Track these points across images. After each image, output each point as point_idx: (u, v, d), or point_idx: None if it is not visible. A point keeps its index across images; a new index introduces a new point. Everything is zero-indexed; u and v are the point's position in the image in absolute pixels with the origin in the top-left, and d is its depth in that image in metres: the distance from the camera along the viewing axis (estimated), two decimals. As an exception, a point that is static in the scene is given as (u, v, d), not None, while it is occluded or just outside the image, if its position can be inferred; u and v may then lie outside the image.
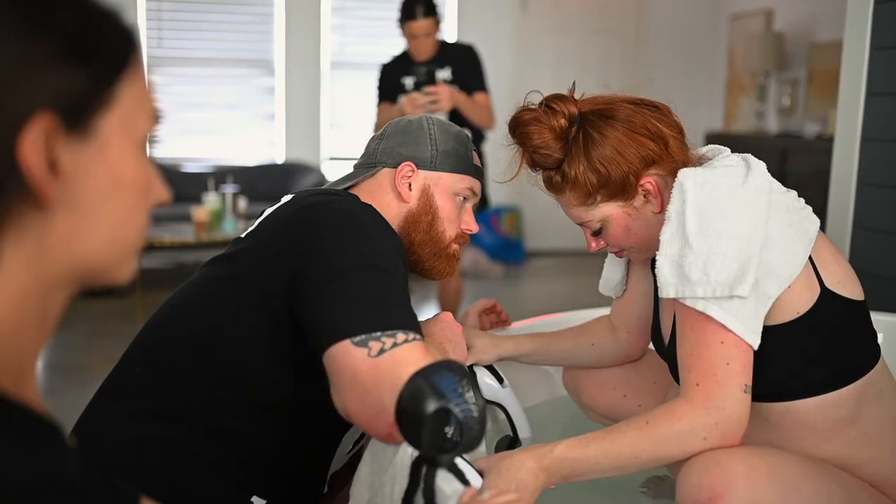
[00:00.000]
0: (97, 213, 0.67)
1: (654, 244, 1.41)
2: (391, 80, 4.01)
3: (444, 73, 3.94)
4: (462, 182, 1.61)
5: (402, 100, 3.71)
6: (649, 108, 1.47)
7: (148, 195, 0.71)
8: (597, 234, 1.53)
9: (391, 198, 1.57)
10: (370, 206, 1.46)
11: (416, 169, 1.57)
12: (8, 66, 0.61)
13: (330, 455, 1.51)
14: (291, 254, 1.35)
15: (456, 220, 1.61)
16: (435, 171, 1.58)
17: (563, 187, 1.48)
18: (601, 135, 1.43)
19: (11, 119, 0.61)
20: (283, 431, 1.41)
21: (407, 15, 3.85)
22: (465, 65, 3.97)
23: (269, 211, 1.55)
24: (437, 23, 3.89)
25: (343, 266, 1.29)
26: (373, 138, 1.66)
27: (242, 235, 1.52)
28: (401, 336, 1.21)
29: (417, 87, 3.84)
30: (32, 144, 0.61)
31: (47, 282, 0.66)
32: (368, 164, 1.61)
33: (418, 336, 1.24)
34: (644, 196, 1.46)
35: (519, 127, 1.49)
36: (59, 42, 0.63)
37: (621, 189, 1.45)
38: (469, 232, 1.64)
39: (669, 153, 1.44)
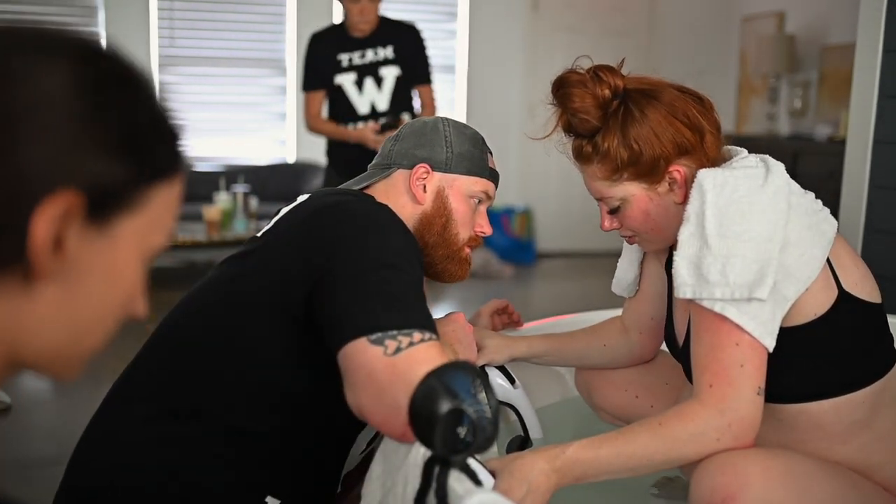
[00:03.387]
0: (79, 306, 0.65)
1: (668, 235, 1.40)
2: (325, 59, 3.67)
3: (385, 52, 3.67)
4: (477, 185, 1.61)
5: (364, 131, 3.54)
6: (693, 99, 1.46)
7: (128, 307, 0.70)
8: (613, 212, 1.51)
9: (406, 199, 1.57)
10: (386, 206, 1.46)
11: (430, 171, 1.57)
12: (57, 139, 0.60)
13: (344, 455, 1.51)
14: (309, 253, 1.35)
15: (470, 222, 1.61)
16: (450, 173, 1.58)
17: (592, 158, 1.47)
18: (642, 113, 1.42)
19: (36, 187, 0.60)
20: (298, 431, 1.41)
21: None
22: (409, 47, 3.71)
23: (285, 210, 1.55)
24: None
25: (360, 265, 1.30)
26: (388, 139, 1.66)
27: (258, 235, 1.52)
28: (417, 335, 1.21)
29: (383, 129, 3.61)
30: (47, 216, 0.60)
31: (2, 355, 0.64)
32: (384, 165, 1.62)
33: (434, 336, 1.24)
34: (669, 184, 1.45)
35: (563, 87, 1.47)
36: (115, 131, 0.63)
37: (649, 171, 1.43)
38: (483, 234, 1.64)
39: (704, 147, 1.44)
